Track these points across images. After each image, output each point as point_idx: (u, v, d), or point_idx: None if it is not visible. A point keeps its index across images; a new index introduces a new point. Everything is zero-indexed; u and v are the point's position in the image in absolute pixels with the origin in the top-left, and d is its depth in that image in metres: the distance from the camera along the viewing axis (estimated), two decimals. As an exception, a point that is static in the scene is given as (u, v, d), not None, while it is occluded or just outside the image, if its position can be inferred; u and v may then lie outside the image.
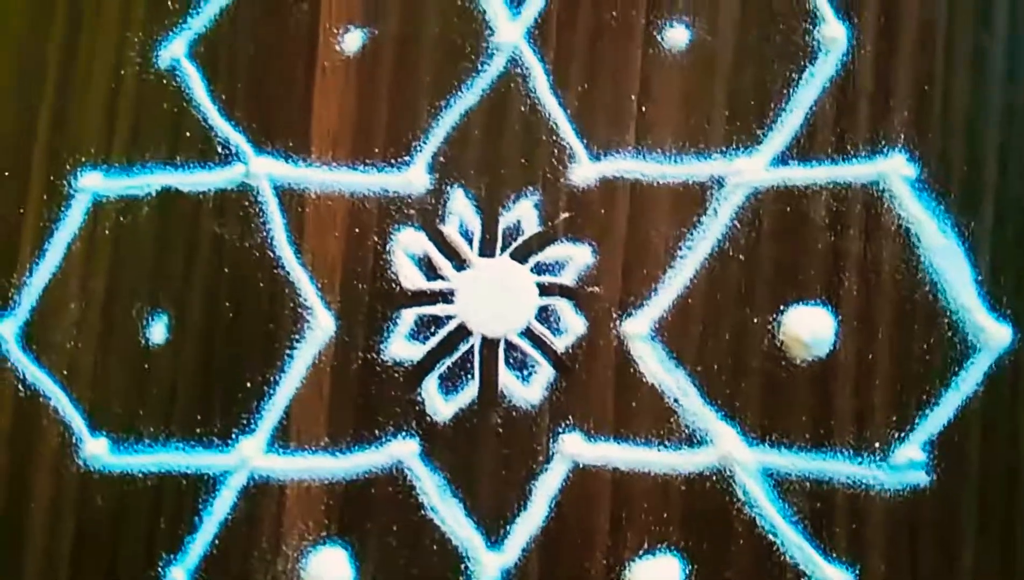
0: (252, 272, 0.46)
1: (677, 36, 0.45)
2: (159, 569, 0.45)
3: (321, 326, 0.45)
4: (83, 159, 0.47)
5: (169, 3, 0.47)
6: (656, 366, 0.44)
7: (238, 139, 0.46)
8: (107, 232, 0.47)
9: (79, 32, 0.48)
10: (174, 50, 0.47)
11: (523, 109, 0.45)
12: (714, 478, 0.43)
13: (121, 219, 0.47)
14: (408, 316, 0.45)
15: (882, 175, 0.43)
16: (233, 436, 0.45)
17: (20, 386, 0.47)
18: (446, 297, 0.45)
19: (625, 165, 0.45)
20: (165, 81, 0.47)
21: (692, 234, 0.44)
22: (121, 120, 0.47)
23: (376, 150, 0.46)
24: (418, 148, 0.46)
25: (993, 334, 0.42)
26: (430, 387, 0.45)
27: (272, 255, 0.46)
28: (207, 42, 0.47)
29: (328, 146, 0.46)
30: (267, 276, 0.46)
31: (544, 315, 0.45)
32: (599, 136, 0.45)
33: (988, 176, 0.42)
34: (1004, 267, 0.42)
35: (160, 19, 0.48)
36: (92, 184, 0.47)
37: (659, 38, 0.45)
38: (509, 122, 0.45)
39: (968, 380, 0.42)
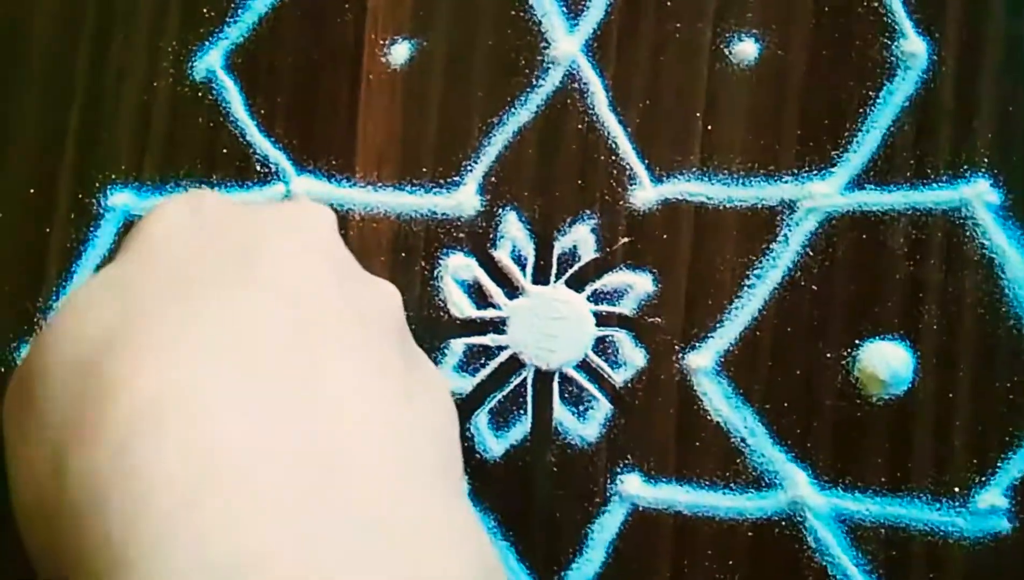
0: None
1: (746, 50, 0.42)
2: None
3: (365, 357, 0.43)
4: (113, 176, 0.45)
5: (205, 11, 0.45)
6: (721, 403, 0.41)
7: (278, 156, 0.44)
8: (139, 254, 0.44)
9: (109, 41, 0.45)
10: (210, 61, 0.45)
11: (580, 127, 0.43)
12: (783, 523, 0.40)
13: (154, 240, 0.44)
14: (457, 346, 0.43)
15: (964, 201, 0.40)
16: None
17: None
18: (497, 326, 0.43)
19: (689, 187, 0.42)
20: (200, 94, 0.45)
21: (761, 262, 0.42)
22: (154, 135, 0.45)
23: (424, 169, 0.44)
24: (469, 168, 0.43)
25: (1083, 372, 0.39)
26: (480, 422, 0.43)
27: (313, 281, 0.43)
28: (245, 53, 0.45)
29: (373, 165, 0.44)
30: (308, 303, 0.43)
31: (602, 347, 0.42)
32: (661, 156, 0.43)
33: (1078, 203, 0.40)
34: (1095, 300, 0.39)
35: (195, 28, 0.45)
36: (123, 203, 0.45)
37: (727, 52, 0.42)
38: (565, 141, 0.43)
39: (1055, 422, 0.40)
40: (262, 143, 0.44)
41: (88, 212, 0.45)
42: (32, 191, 0.46)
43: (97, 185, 0.45)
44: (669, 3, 0.43)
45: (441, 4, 0.44)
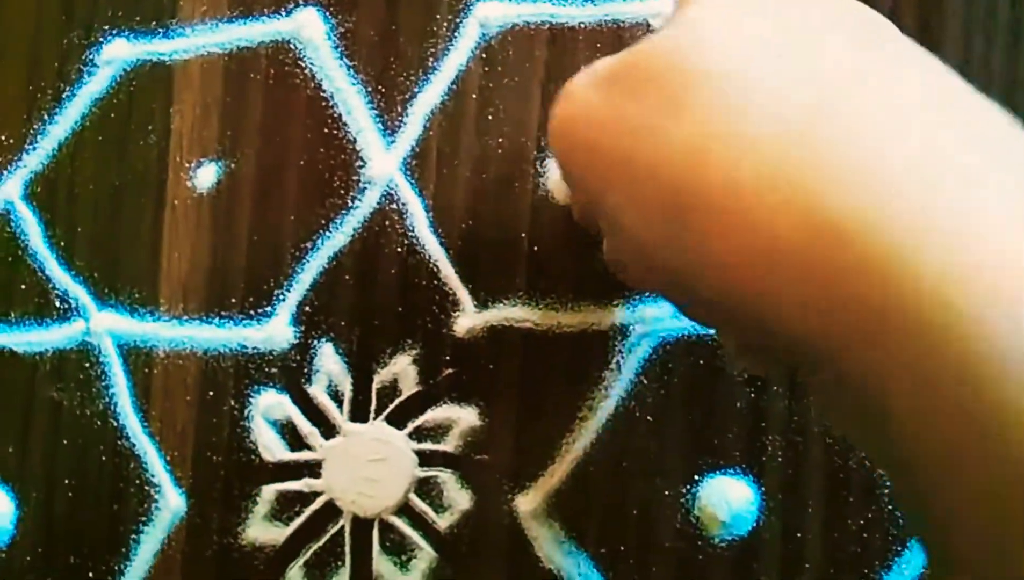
0: (94, 444, 0.41)
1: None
2: None
3: (170, 506, 0.41)
4: (-96, 315, 0.43)
5: (2, 138, 0.43)
6: (553, 548, 0.39)
7: (78, 291, 0.42)
8: (-67, 400, 0.42)
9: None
10: (7, 191, 0.43)
11: (400, 250, 0.41)
12: (621, 682, 0.38)
13: (-53, 385, 0.42)
14: (268, 493, 0.40)
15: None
16: (68, 638, 0.40)
17: None
18: (313, 470, 0.40)
19: (516, 313, 0.40)
20: (-2, 226, 0.43)
21: (593, 392, 0.39)
22: (-51, 272, 0.43)
23: (233, 300, 0.41)
24: (281, 297, 0.41)
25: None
26: (295, 576, 0.40)
27: (116, 424, 0.41)
28: (44, 181, 0.43)
29: (179, 296, 0.42)
30: (110, 449, 0.41)
31: (425, 489, 0.40)
32: (486, 280, 0.40)
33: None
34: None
35: (-8, 156, 0.43)
36: (-85, 344, 0.43)
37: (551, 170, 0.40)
38: (384, 266, 0.41)
39: (914, 562, 0.38)
40: (62, 277, 0.42)
41: None
42: None
43: None
44: (491, 116, 0.41)
45: (249, 123, 0.42)
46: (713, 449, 0.39)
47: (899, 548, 0.38)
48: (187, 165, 0.42)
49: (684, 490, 0.39)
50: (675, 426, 0.39)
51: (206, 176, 0.42)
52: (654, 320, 0.39)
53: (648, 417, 0.39)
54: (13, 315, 0.42)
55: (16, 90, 0.43)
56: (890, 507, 0.37)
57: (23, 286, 0.42)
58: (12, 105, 0.43)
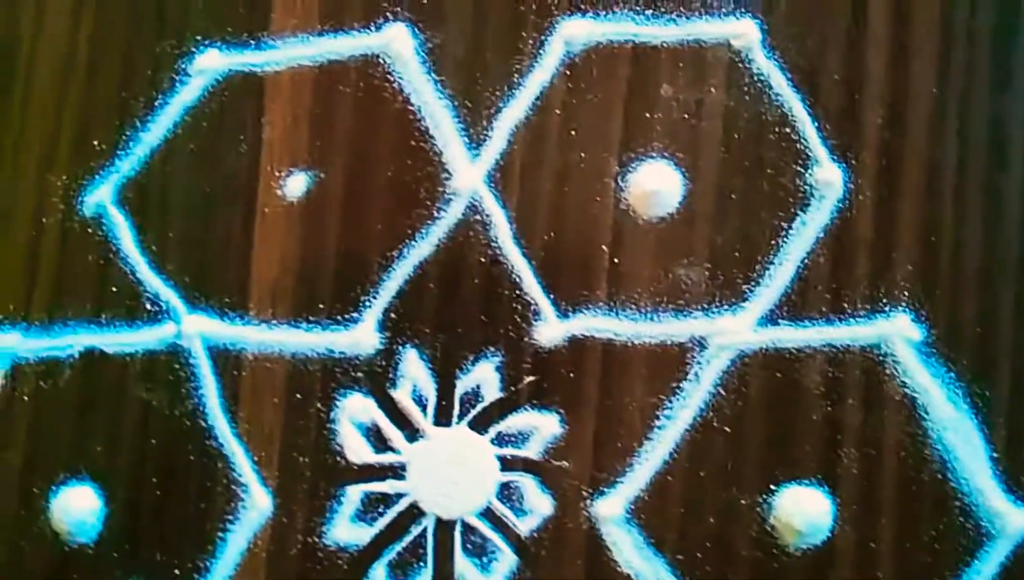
0: (182, 444, 0.43)
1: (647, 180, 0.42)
2: None
3: (257, 506, 0.42)
4: (1, 317, 0.44)
5: (95, 143, 0.45)
6: (632, 553, 0.41)
7: (169, 294, 0.44)
8: (26, 398, 0.44)
9: (-4, 175, 0.45)
10: (100, 195, 0.44)
11: (483, 260, 0.42)
12: None
13: (41, 383, 0.44)
14: (354, 494, 0.42)
15: (884, 337, 0.40)
16: (160, 632, 0.42)
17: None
18: (397, 472, 0.42)
19: (596, 323, 0.41)
20: (90, 230, 0.45)
21: (671, 402, 0.41)
22: (43, 273, 0.45)
23: (321, 306, 0.43)
24: (367, 303, 0.43)
25: (1010, 520, 0.39)
26: (378, 576, 0.42)
27: (204, 424, 0.43)
28: (136, 186, 0.45)
29: (268, 301, 0.43)
30: (198, 448, 0.43)
31: (506, 493, 0.41)
32: (567, 291, 0.42)
33: (1004, 338, 0.40)
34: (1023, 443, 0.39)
35: (85, 161, 0.45)
36: (10, 344, 0.44)
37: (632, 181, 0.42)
38: (468, 275, 0.42)
39: (984, 571, 0.39)
40: (153, 280, 0.44)
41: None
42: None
43: (-17, 326, 0.45)
44: (574, 132, 0.42)
45: (338, 134, 0.44)
46: (789, 460, 0.40)
47: (969, 559, 0.39)
48: (277, 174, 0.44)
49: (760, 499, 0.40)
50: (752, 437, 0.40)
51: (296, 185, 0.44)
52: (733, 332, 0.41)
53: (725, 428, 0.41)
54: (104, 317, 0.44)
55: (110, 98, 0.45)
56: (962, 518, 0.39)
57: (114, 289, 0.44)
58: (106, 112, 0.45)
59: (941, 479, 0.39)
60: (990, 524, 0.39)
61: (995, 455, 0.39)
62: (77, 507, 0.43)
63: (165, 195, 0.44)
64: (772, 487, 0.40)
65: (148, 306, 0.44)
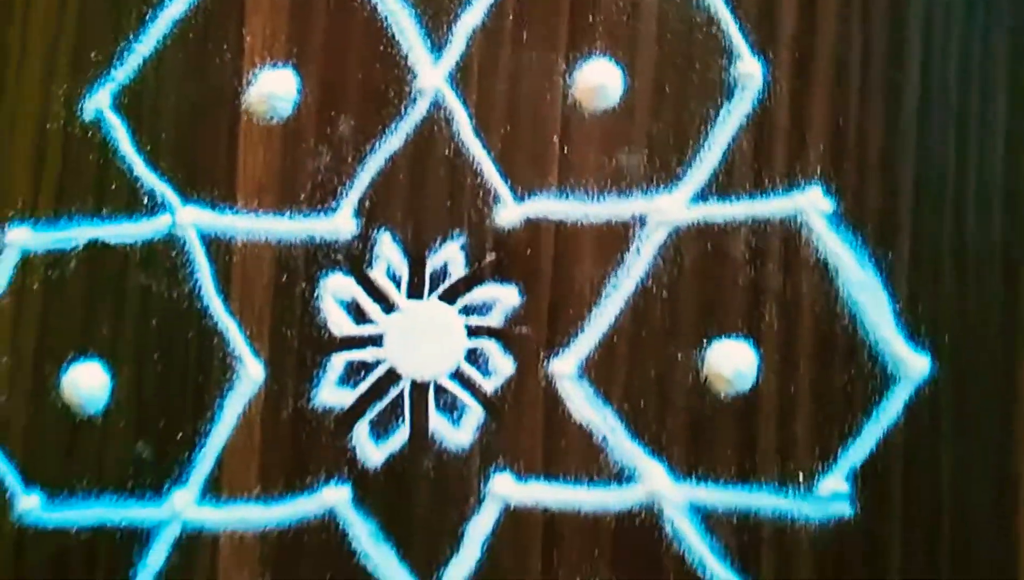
0: (181, 323, 0.48)
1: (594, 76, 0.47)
2: (96, 622, 0.47)
3: (250, 375, 0.48)
4: (11, 213, 0.49)
5: (93, 55, 0.49)
6: (584, 405, 0.46)
7: (164, 189, 0.48)
8: (35, 287, 0.49)
9: (3, 92, 0.50)
10: (98, 101, 0.49)
11: (447, 153, 0.48)
12: (643, 515, 0.45)
13: (49, 273, 0.49)
14: (338, 362, 0.47)
15: (799, 209, 0.46)
16: (165, 488, 0.47)
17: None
18: (375, 341, 0.47)
19: (549, 206, 0.47)
20: (90, 133, 0.49)
21: (616, 273, 0.46)
22: (48, 173, 0.49)
23: (302, 197, 0.48)
24: (344, 193, 0.48)
25: (912, 364, 0.45)
26: (361, 433, 0.47)
27: (200, 305, 0.48)
28: (131, 93, 0.49)
29: (254, 194, 0.48)
30: (195, 327, 0.48)
31: (473, 357, 0.47)
32: (523, 178, 0.47)
33: (903, 209, 0.46)
34: (921, 298, 0.45)
35: (84, 71, 0.50)
36: (21, 238, 0.49)
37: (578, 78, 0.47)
38: (434, 166, 0.48)
39: (889, 410, 0.45)
40: (149, 177, 0.49)
41: (-13, 249, 0.49)
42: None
43: (-6, 222, 0.50)
44: (525, 35, 0.47)
45: (313, 42, 0.49)
46: (719, 319, 0.46)
47: (877, 399, 0.45)
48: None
49: (694, 354, 0.46)
50: (686, 300, 0.46)
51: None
52: (668, 210, 0.46)
53: (664, 293, 0.46)
54: (105, 211, 0.49)
55: (103, 12, 0.49)
56: (870, 365, 0.45)
57: (114, 185, 0.49)
58: (101, 28, 0.49)
59: (851, 332, 0.45)
60: (895, 369, 0.45)
61: (898, 309, 0.45)
62: (87, 382, 0.48)
63: (157, 100, 0.49)
64: (704, 343, 0.46)
65: (145, 200, 0.49)
